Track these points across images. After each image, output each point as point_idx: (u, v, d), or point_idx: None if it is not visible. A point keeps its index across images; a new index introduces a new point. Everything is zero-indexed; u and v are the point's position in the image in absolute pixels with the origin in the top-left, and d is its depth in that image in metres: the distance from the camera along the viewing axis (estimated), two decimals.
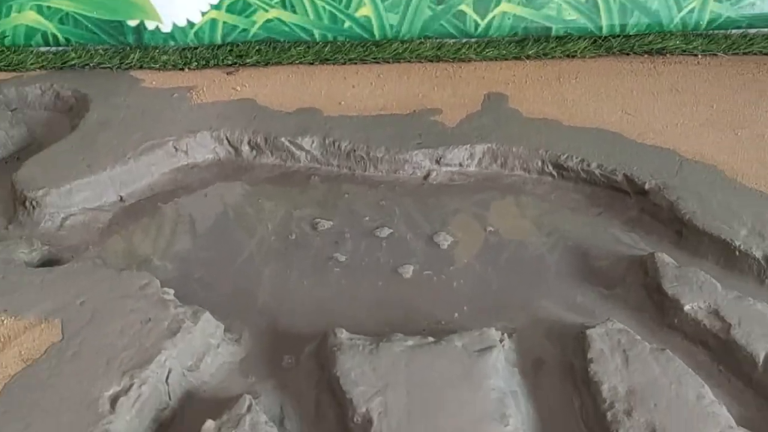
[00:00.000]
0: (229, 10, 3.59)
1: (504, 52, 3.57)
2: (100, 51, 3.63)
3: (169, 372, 1.95)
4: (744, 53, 3.54)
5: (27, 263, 2.38)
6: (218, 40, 3.66)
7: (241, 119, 3.10)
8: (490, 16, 3.59)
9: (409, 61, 3.59)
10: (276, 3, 3.58)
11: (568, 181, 2.82)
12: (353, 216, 2.69)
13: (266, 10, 3.59)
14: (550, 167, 2.84)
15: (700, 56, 3.55)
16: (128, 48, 3.65)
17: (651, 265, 2.27)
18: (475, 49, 3.58)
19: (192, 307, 2.13)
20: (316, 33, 3.64)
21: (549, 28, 3.60)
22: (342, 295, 2.34)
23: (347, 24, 3.61)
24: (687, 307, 2.11)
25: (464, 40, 3.64)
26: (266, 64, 3.59)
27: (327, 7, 3.58)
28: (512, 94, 3.25)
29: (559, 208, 2.71)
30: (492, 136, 2.93)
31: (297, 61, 3.59)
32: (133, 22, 3.62)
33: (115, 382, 1.87)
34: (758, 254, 2.27)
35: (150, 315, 2.08)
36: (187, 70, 3.57)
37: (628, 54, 3.58)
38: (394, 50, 3.59)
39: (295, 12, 3.59)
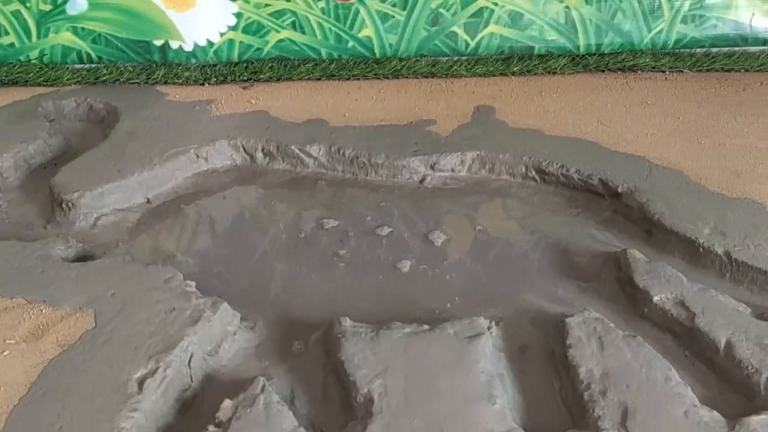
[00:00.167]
0: (245, 31, 3.59)
1: (492, 69, 3.57)
2: (129, 68, 3.64)
3: (191, 356, 1.95)
4: (707, 70, 3.53)
5: (63, 259, 2.38)
6: (235, 58, 3.66)
7: (256, 129, 3.10)
8: (479, 36, 3.59)
9: (406, 77, 3.59)
10: (287, 24, 3.58)
11: (549, 185, 2.82)
12: (356, 216, 2.69)
13: (278, 31, 3.59)
14: (533, 172, 2.84)
15: (667, 73, 3.55)
16: (154, 65, 3.65)
17: (623, 261, 2.28)
18: (465, 67, 3.58)
19: (211, 298, 2.14)
20: (323, 52, 3.64)
21: (532, 48, 3.60)
22: (346, 288, 2.34)
23: (351, 43, 3.62)
24: (656, 299, 2.11)
25: (456, 58, 3.64)
26: (278, 80, 3.59)
27: (333, 28, 3.58)
28: (499, 107, 3.25)
29: (541, 209, 2.71)
30: (481, 144, 2.93)
31: (306, 77, 3.59)
32: (158, 42, 3.62)
33: (143, 365, 1.87)
34: (720, 251, 2.27)
35: (174, 305, 2.08)
36: (207, 85, 3.58)
37: (603, 71, 3.58)
38: (393, 67, 3.59)
39: (304, 33, 3.60)
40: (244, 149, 3.04)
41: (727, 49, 3.59)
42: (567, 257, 2.44)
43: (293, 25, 3.58)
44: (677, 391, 1.80)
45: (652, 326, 2.10)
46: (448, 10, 3.54)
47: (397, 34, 3.59)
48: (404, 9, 3.53)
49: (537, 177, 2.84)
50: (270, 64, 3.63)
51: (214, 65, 3.66)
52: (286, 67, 3.62)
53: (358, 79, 3.59)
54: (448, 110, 3.24)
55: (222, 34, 3.61)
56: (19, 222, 2.71)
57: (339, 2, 3.53)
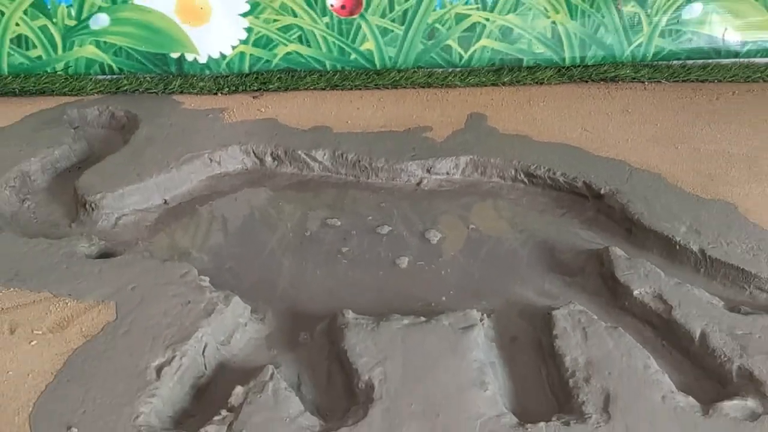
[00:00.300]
0: (255, 44, 3.59)
1: (484, 79, 3.57)
2: (148, 79, 3.63)
3: (205, 346, 1.95)
4: (683, 81, 3.54)
5: (87, 256, 2.38)
6: (246, 69, 3.66)
7: (265, 135, 3.10)
8: (472, 49, 3.59)
9: (404, 87, 3.59)
10: (294, 38, 3.58)
11: (537, 187, 2.82)
12: (358, 216, 2.69)
13: (286, 45, 3.59)
14: (522, 175, 2.84)
15: (646, 83, 3.55)
16: (171, 76, 3.65)
17: (606, 257, 2.28)
18: (459, 77, 3.58)
19: (224, 292, 2.13)
20: (328, 64, 3.64)
21: (521, 60, 3.60)
22: (348, 283, 2.34)
23: (353, 56, 3.61)
24: (636, 292, 2.11)
25: (450, 70, 3.64)
26: (286, 90, 3.59)
27: (336, 42, 3.58)
28: (491, 115, 3.25)
29: (529, 209, 2.71)
30: (474, 149, 2.93)
31: (311, 87, 3.59)
32: (175, 55, 3.62)
33: (160, 354, 1.87)
34: (695, 248, 2.27)
35: (189, 299, 2.08)
36: (219, 94, 3.57)
37: (586, 81, 3.58)
38: (392, 78, 3.59)
39: (309, 46, 3.59)
40: (254, 154, 3.03)
41: (702, 61, 3.59)
42: (553, 254, 2.44)
43: (300, 39, 3.58)
44: (655, 378, 1.80)
45: (632, 318, 2.11)
46: (443, 25, 3.54)
47: (396, 47, 3.59)
48: (402, 24, 3.53)
49: (525, 180, 2.84)
50: (278, 75, 3.63)
51: (227, 76, 3.66)
52: (293, 77, 3.62)
53: (360, 89, 3.59)
54: (443, 118, 3.24)
55: (234, 48, 3.61)
56: (46, 221, 2.71)
57: (342, 18, 3.53)
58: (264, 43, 3.59)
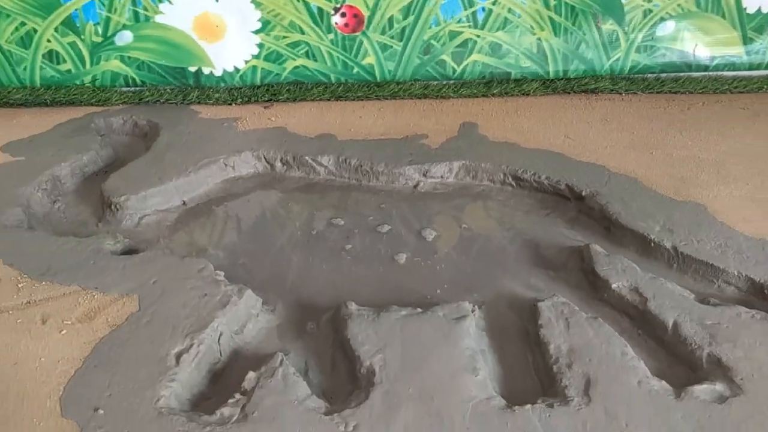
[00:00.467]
0: (266, 59, 3.59)
1: (475, 91, 3.57)
2: (168, 90, 3.63)
3: (220, 335, 1.95)
4: (657, 92, 3.54)
5: (112, 252, 2.38)
6: (257, 81, 3.66)
7: (275, 142, 3.10)
8: (464, 63, 3.59)
9: (402, 98, 3.59)
10: (301, 54, 3.58)
11: (524, 189, 2.82)
12: (360, 216, 2.69)
13: (294, 59, 3.59)
14: (510, 179, 2.84)
15: (624, 94, 3.54)
16: (189, 88, 3.65)
17: (586, 254, 2.28)
18: (453, 89, 3.58)
19: (238, 285, 2.13)
20: (332, 76, 3.64)
21: (509, 73, 3.60)
22: (351, 277, 2.34)
23: (356, 70, 3.61)
24: (614, 286, 2.11)
25: (444, 82, 3.64)
26: (294, 100, 3.59)
27: (340, 56, 3.58)
28: (481, 124, 3.24)
29: (516, 210, 2.71)
30: (466, 155, 2.93)
31: (317, 98, 3.59)
32: (193, 68, 3.62)
33: (179, 342, 1.87)
34: (668, 245, 2.27)
35: (206, 291, 2.08)
36: (233, 105, 3.57)
37: (569, 93, 3.58)
38: (392, 90, 3.59)
39: (316, 60, 3.59)
40: (266, 159, 3.03)
41: (674, 74, 3.59)
42: (539, 251, 2.43)
43: (307, 54, 3.58)
44: (632, 364, 1.80)
45: (610, 309, 2.10)
46: (437, 42, 3.54)
47: (395, 61, 3.59)
48: (401, 40, 3.53)
49: (513, 183, 2.84)
50: (287, 87, 3.63)
51: (240, 88, 3.65)
52: (300, 89, 3.62)
53: (362, 99, 3.59)
54: (438, 126, 3.24)
55: (246, 62, 3.60)
56: (75, 221, 2.71)
57: (346, 35, 3.53)
58: (274, 57, 3.59)
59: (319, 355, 1.96)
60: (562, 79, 3.60)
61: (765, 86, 3.51)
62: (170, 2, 3.43)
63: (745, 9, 3.42)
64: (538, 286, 2.24)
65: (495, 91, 3.56)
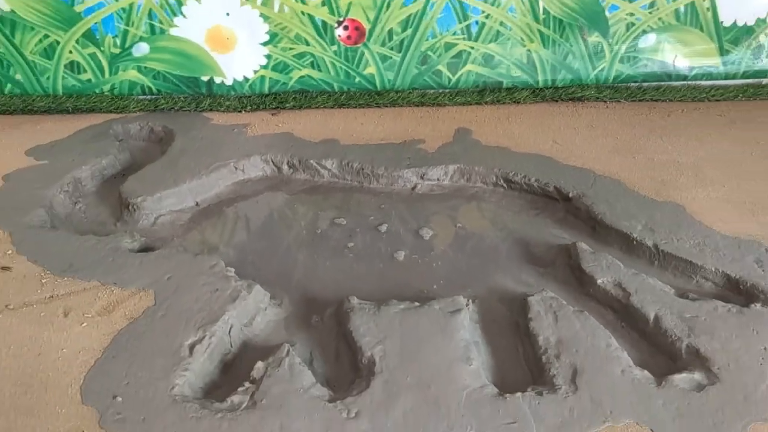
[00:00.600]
0: (274, 69, 3.59)
1: (469, 99, 3.56)
2: (182, 98, 3.63)
3: (231, 327, 1.95)
4: (639, 100, 3.53)
5: (130, 250, 2.38)
6: (266, 90, 3.65)
7: (282, 147, 3.09)
8: (459, 73, 3.58)
9: (401, 106, 3.58)
10: (307, 64, 3.57)
11: (515, 191, 2.81)
12: (362, 216, 2.68)
13: (300, 69, 3.59)
14: (502, 181, 2.84)
15: (608, 102, 3.54)
16: (202, 96, 3.64)
17: (573, 251, 2.28)
18: (448, 97, 3.58)
19: (247, 281, 2.14)
20: (335, 86, 3.63)
21: (501, 82, 3.60)
22: (354, 273, 2.34)
23: (358, 79, 3.61)
24: (599, 281, 2.11)
25: (441, 91, 3.63)
26: (300, 108, 3.59)
27: (343, 67, 3.58)
28: (475, 129, 3.24)
29: (508, 210, 2.70)
30: (460, 159, 2.92)
31: (322, 106, 3.58)
32: (205, 78, 3.61)
33: (192, 334, 1.87)
34: (649, 243, 2.27)
35: (217, 287, 2.08)
36: (243, 112, 3.57)
37: (557, 101, 3.57)
38: (391, 98, 3.58)
39: (320, 70, 3.59)
40: (273, 163, 3.03)
41: (656, 83, 3.59)
42: (528, 248, 2.43)
43: (312, 65, 3.58)
44: (616, 355, 1.80)
45: (596, 303, 2.11)
46: (434, 53, 3.53)
47: (394, 71, 3.59)
48: (400, 52, 3.53)
49: (505, 185, 2.84)
50: (293, 96, 3.62)
51: (249, 96, 3.65)
52: (306, 97, 3.62)
53: (363, 107, 3.58)
54: (434, 132, 3.23)
55: (255, 72, 3.60)
56: (95, 221, 2.70)
57: (348, 46, 3.53)
58: (281, 68, 3.59)
59: (323, 346, 1.96)
60: (550, 87, 3.59)
61: (740, 95, 3.51)
62: (184, 16, 3.42)
63: (722, 22, 3.42)
64: (528, 282, 2.23)
65: (488, 99, 3.55)
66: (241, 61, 3.57)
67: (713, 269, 2.14)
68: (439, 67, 3.57)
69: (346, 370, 1.86)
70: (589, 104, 3.53)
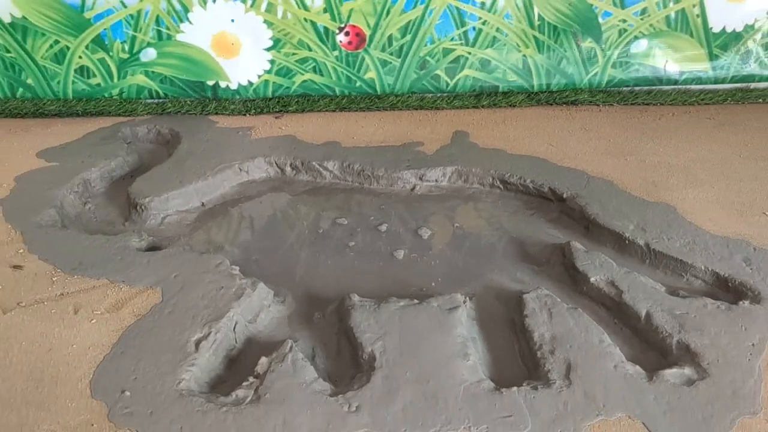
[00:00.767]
0: (277, 73, 3.59)
1: (466, 103, 3.57)
2: (188, 102, 3.63)
3: (236, 324, 1.95)
4: (631, 104, 3.54)
5: (138, 249, 2.38)
6: (269, 94, 3.65)
7: (285, 149, 3.09)
8: (456, 78, 3.59)
9: (400, 109, 3.59)
10: (309, 69, 3.57)
11: (511, 191, 2.81)
12: (362, 216, 2.69)
13: (302, 74, 3.59)
14: (498, 182, 2.84)
15: (601, 106, 3.55)
16: (207, 100, 3.65)
17: (567, 250, 2.27)
18: (446, 101, 3.58)
19: (251, 279, 2.14)
20: (337, 89, 3.64)
21: (497, 86, 3.60)
22: (354, 271, 2.34)
23: (358, 83, 3.61)
24: (592, 279, 2.11)
25: (439, 95, 3.64)
26: (302, 111, 3.59)
27: (344, 71, 3.58)
28: (472, 132, 3.24)
29: (504, 210, 2.70)
30: (458, 160, 2.93)
31: (324, 109, 3.59)
32: (211, 82, 3.61)
33: (198, 330, 1.87)
34: (641, 242, 2.27)
35: (222, 284, 2.08)
36: (247, 115, 3.57)
37: (551, 104, 3.58)
38: (391, 102, 3.59)
39: (322, 75, 3.59)
40: (276, 164, 3.03)
41: (647, 87, 3.59)
42: (524, 247, 2.43)
43: (314, 69, 3.58)
44: (608, 351, 1.80)
45: (589, 300, 2.11)
46: (432, 58, 3.54)
47: (394, 76, 3.59)
48: (399, 57, 3.53)
49: (501, 186, 2.84)
50: (296, 99, 3.63)
51: (253, 100, 3.65)
52: (308, 101, 3.62)
53: (364, 110, 3.59)
54: (432, 134, 3.23)
55: (259, 76, 3.60)
56: (104, 220, 2.70)
57: (349, 52, 3.53)
58: (284, 72, 3.59)
59: (325, 342, 1.96)
60: (545, 92, 3.59)
61: (729, 98, 3.51)
62: (190, 22, 3.43)
63: (711, 28, 3.42)
64: (524, 280, 2.24)
65: (484, 103, 3.56)
66: (245, 66, 3.57)
67: (703, 267, 2.14)
68: (438, 71, 3.57)
69: (347, 366, 1.86)
70: (583, 108, 3.53)
